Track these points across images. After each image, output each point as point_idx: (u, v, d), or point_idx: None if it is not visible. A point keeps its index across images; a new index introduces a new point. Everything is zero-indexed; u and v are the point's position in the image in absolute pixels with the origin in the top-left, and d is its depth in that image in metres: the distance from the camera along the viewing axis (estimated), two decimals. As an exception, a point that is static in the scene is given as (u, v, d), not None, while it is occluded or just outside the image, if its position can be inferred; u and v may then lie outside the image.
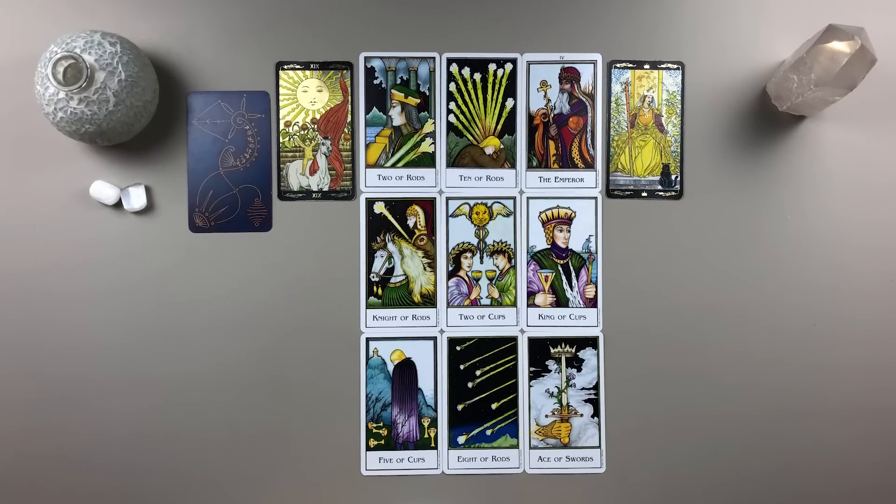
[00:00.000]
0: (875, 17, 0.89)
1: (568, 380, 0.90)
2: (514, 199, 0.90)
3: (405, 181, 0.90)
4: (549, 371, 0.90)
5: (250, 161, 0.89)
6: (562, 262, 0.90)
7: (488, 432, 0.89)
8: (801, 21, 0.90)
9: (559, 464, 0.90)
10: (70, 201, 0.88)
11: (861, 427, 0.90)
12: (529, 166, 0.90)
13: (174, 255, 0.88)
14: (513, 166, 0.90)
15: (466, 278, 0.90)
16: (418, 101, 0.90)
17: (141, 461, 0.88)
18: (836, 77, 0.80)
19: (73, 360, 0.88)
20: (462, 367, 0.89)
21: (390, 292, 0.89)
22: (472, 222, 0.90)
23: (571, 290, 0.90)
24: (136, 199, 0.88)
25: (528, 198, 0.90)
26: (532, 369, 0.90)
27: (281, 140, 0.89)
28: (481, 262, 0.90)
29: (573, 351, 0.90)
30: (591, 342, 0.90)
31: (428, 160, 0.90)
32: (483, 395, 0.89)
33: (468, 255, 0.90)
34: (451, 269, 0.90)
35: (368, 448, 0.89)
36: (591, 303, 0.90)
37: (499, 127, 0.90)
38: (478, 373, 0.90)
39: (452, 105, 0.90)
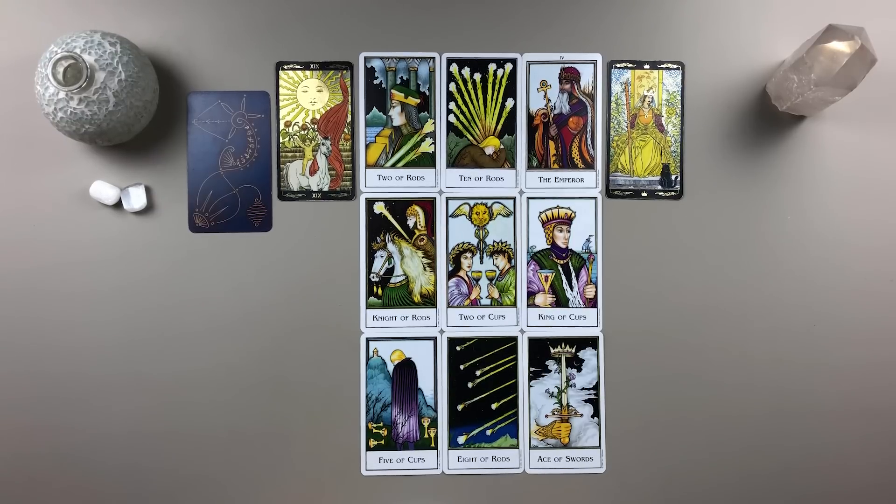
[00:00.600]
0: (875, 17, 0.89)
1: (568, 380, 0.90)
2: (514, 199, 0.90)
3: (405, 181, 0.90)
4: (549, 371, 0.90)
5: (250, 161, 0.89)
6: (562, 262, 0.90)
7: (488, 432, 0.89)
8: (801, 21, 0.90)
9: (559, 464, 0.90)
10: (70, 201, 0.88)
11: (860, 427, 0.90)
12: (529, 166, 0.90)
13: (174, 255, 0.88)
14: (513, 166, 0.90)
15: (466, 278, 0.90)
16: (418, 101, 0.90)
17: (141, 460, 0.88)
18: (836, 77, 0.80)
19: (74, 359, 0.88)
20: (462, 367, 0.89)
21: (390, 292, 0.89)
22: (472, 222, 0.90)
23: (571, 291, 0.90)
24: (136, 199, 0.88)
25: (528, 198, 0.90)
26: (532, 369, 0.90)
27: (281, 140, 0.89)
28: (481, 263, 0.90)
29: (573, 351, 0.90)
30: (591, 342, 0.90)
31: (428, 160, 0.90)
32: (483, 396, 0.89)
33: (468, 255, 0.90)
34: (451, 269, 0.90)
35: (368, 448, 0.89)
36: (591, 303, 0.90)
37: (499, 127, 0.90)
38: (478, 373, 0.90)
39: (452, 105, 0.90)
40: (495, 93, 0.90)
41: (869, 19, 0.86)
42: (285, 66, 0.89)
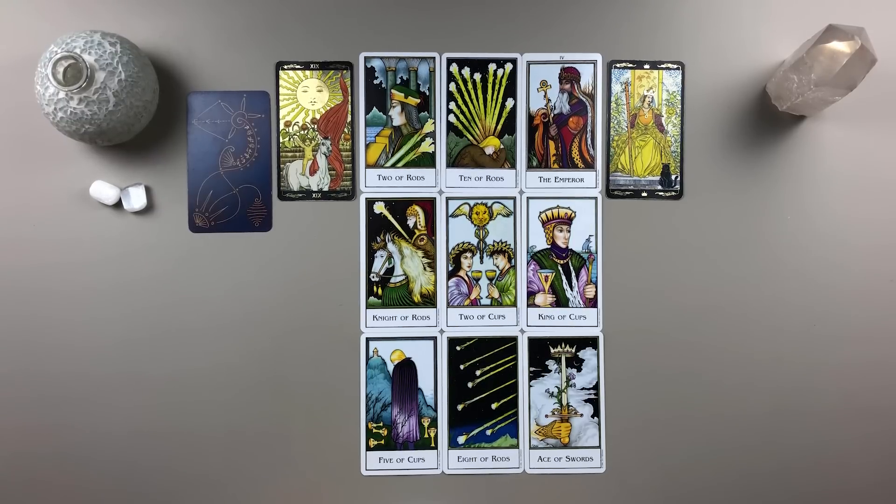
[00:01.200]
0: (875, 17, 0.89)
1: (568, 380, 0.90)
2: (514, 199, 0.90)
3: (405, 181, 0.90)
4: (549, 371, 0.90)
5: (250, 161, 0.89)
6: (562, 262, 0.90)
7: (488, 432, 0.89)
8: (801, 21, 0.90)
9: (559, 464, 0.90)
10: (70, 201, 0.88)
11: (860, 426, 0.90)
12: (529, 166, 0.90)
13: (174, 255, 0.88)
14: (513, 166, 0.90)
15: (466, 278, 0.90)
16: (418, 101, 0.90)
17: (140, 460, 0.88)
18: (836, 77, 0.80)
19: (74, 359, 0.88)
20: (462, 367, 0.90)
21: (390, 292, 0.89)
22: (472, 222, 0.90)
23: (571, 290, 0.90)
24: (136, 199, 0.88)
25: (528, 198, 0.90)
26: (532, 369, 0.90)
27: (281, 140, 0.89)
28: (481, 262, 0.90)
29: (573, 351, 0.90)
30: (591, 342, 0.90)
31: (428, 160, 0.90)
32: (483, 395, 0.89)
33: (468, 255, 0.90)
34: (451, 269, 0.90)
35: (368, 448, 0.89)
36: (591, 303, 0.90)
37: (499, 127, 0.90)
38: (478, 373, 0.90)
39: (452, 105, 0.90)
40: (495, 93, 0.90)
41: (869, 19, 0.86)
42: (285, 66, 0.89)
